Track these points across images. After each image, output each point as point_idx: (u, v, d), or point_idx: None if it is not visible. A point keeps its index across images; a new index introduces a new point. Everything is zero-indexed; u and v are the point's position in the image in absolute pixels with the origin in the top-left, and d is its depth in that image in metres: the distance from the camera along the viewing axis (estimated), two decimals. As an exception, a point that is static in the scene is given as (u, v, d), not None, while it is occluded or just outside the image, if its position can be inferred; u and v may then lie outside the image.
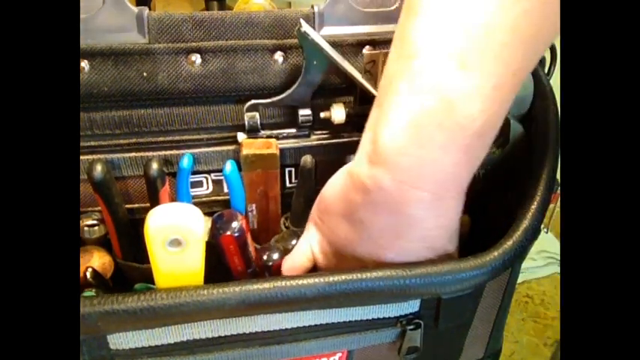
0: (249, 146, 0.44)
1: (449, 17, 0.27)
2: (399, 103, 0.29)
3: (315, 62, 0.43)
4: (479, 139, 0.29)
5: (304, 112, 0.46)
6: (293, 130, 0.47)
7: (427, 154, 0.29)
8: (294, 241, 0.46)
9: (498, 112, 0.29)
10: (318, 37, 0.42)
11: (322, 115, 0.46)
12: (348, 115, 0.46)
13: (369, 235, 0.33)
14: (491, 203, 0.46)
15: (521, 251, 0.35)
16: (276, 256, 0.41)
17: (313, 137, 0.48)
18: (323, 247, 0.37)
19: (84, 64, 0.41)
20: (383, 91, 0.31)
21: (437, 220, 0.32)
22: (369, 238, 0.33)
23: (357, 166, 0.32)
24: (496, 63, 0.27)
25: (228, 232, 0.38)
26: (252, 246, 0.42)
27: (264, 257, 0.41)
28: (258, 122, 0.46)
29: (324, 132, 0.48)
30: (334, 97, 0.46)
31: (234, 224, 0.39)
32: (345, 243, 0.35)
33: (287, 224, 0.50)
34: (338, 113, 0.45)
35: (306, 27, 0.42)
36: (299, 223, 0.47)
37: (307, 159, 0.46)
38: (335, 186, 0.35)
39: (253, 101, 0.45)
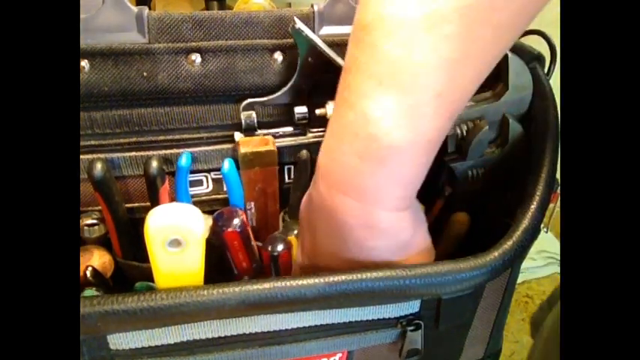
0: (247, 144, 0.45)
1: (374, 36, 0.28)
2: (332, 114, 0.32)
3: (310, 59, 0.43)
4: (397, 153, 0.29)
5: (300, 110, 0.46)
6: (290, 129, 0.47)
7: (347, 161, 0.30)
8: (295, 231, 0.46)
9: (420, 131, 0.29)
10: (312, 34, 0.42)
11: (318, 112, 0.46)
12: (344, 112, 0.46)
13: (320, 243, 0.35)
14: (491, 203, 0.46)
15: (521, 251, 0.35)
16: (281, 246, 0.41)
17: (310, 135, 0.48)
18: (301, 258, 0.39)
19: (84, 63, 0.41)
20: None
21: (368, 232, 0.32)
22: (321, 246, 0.35)
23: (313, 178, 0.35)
24: (413, 83, 0.28)
25: (231, 229, 0.38)
26: (253, 242, 0.42)
27: (269, 248, 0.41)
28: (255, 121, 0.46)
29: (320, 129, 0.48)
30: (330, 95, 0.46)
31: (236, 220, 0.39)
32: (309, 252, 0.37)
33: (286, 218, 0.50)
34: (334, 110, 0.46)
35: (300, 24, 0.42)
36: (297, 215, 0.48)
37: (303, 151, 0.46)
38: (303, 198, 0.37)
39: (249, 100, 0.45)
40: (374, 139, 0.29)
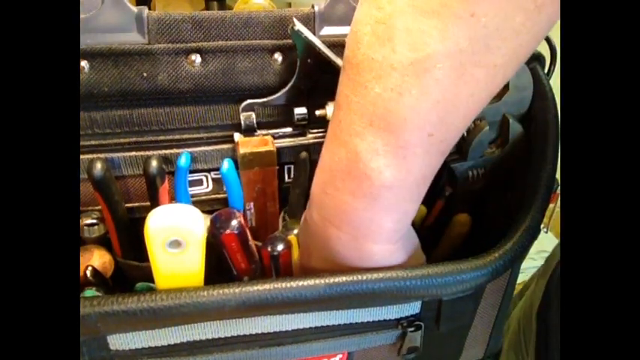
0: (246, 145, 0.44)
1: (364, 77, 0.28)
2: (325, 146, 0.32)
3: (309, 60, 0.43)
4: (389, 191, 0.30)
5: (300, 111, 0.46)
6: (289, 129, 0.47)
7: (340, 196, 0.31)
8: (295, 231, 0.46)
9: (411, 169, 0.29)
10: (311, 35, 0.42)
11: (318, 113, 0.46)
12: (343, 113, 0.46)
13: (314, 265, 0.36)
14: (491, 203, 0.46)
15: (521, 252, 0.35)
16: (281, 246, 0.41)
17: (309, 135, 0.48)
18: (301, 259, 0.39)
19: (84, 63, 0.41)
20: None
21: (361, 263, 0.33)
22: (316, 263, 0.36)
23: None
24: (403, 125, 0.28)
25: (229, 231, 0.38)
26: (252, 242, 0.42)
27: (269, 248, 0.41)
28: (254, 122, 0.46)
29: (320, 130, 0.48)
30: (329, 96, 0.46)
31: (234, 222, 0.39)
32: (306, 259, 0.37)
33: (286, 217, 0.50)
34: (333, 111, 0.46)
35: (299, 26, 0.42)
36: (296, 214, 0.48)
37: (302, 153, 0.47)
38: (302, 217, 0.38)
39: (249, 101, 0.45)
40: (365, 178, 0.29)
